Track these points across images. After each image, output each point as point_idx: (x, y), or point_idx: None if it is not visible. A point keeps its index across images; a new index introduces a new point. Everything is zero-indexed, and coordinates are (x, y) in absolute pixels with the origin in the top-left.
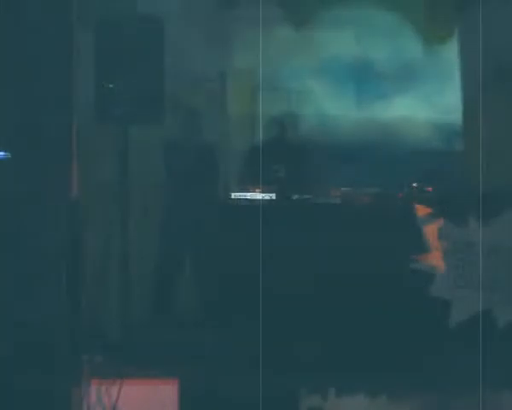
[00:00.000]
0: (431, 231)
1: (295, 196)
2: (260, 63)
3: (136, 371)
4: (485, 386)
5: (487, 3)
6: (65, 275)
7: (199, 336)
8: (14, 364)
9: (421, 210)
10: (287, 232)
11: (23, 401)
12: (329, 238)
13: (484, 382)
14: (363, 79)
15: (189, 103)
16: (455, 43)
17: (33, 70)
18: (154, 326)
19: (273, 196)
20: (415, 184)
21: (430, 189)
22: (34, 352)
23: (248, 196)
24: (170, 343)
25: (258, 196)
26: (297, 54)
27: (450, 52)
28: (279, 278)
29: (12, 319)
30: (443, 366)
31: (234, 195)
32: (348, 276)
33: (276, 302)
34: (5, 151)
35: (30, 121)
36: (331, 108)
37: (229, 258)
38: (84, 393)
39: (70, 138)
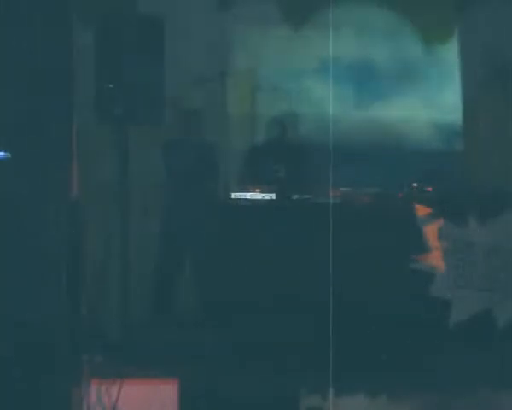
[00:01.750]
0: (431, 231)
1: (295, 196)
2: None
3: (136, 371)
4: (485, 386)
5: (487, 3)
6: (65, 275)
7: (199, 336)
8: (14, 364)
9: (421, 210)
10: (287, 232)
11: (23, 401)
12: (329, 238)
13: (484, 382)
14: (363, 79)
15: (189, 103)
16: (455, 43)
17: (33, 70)
18: (154, 326)
19: (273, 196)
20: (415, 184)
21: (430, 189)
22: (34, 352)
23: (248, 196)
24: (170, 343)
25: (258, 196)
26: (297, 54)
27: (450, 52)
28: (279, 277)
29: (12, 319)
30: (443, 366)
31: (234, 195)
32: (348, 276)
33: (276, 302)
34: (5, 151)
35: (30, 121)
36: (331, 108)
37: (229, 258)
38: (84, 393)
39: (70, 138)
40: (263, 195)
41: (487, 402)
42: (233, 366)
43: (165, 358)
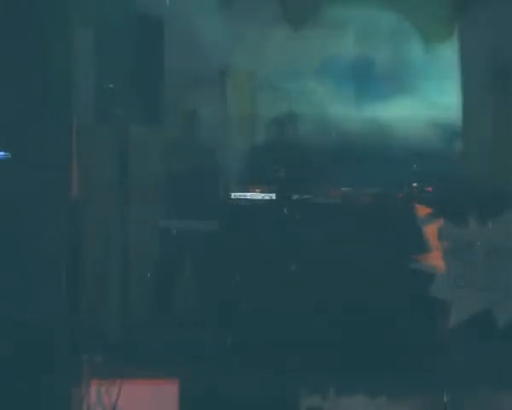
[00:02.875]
0: (431, 231)
1: (295, 196)
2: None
3: (136, 371)
4: (485, 386)
5: (488, 3)
6: (65, 275)
7: (199, 336)
8: (14, 364)
9: (421, 210)
10: (287, 232)
11: (23, 401)
12: (329, 238)
13: (484, 382)
14: (363, 79)
15: (189, 103)
16: (455, 43)
17: (33, 70)
18: (154, 326)
19: (273, 196)
20: (415, 184)
21: (430, 189)
22: (34, 352)
23: (248, 196)
24: (170, 343)
25: (259, 196)
26: (297, 54)
27: (451, 52)
28: (279, 277)
29: (12, 319)
30: (443, 366)
31: (234, 195)
32: (348, 275)
33: (277, 302)
34: (5, 151)
35: (30, 121)
36: (331, 108)
37: (228, 258)
38: (84, 393)
39: (70, 138)
40: (263, 195)
41: (487, 402)
42: (233, 366)
43: (165, 358)
